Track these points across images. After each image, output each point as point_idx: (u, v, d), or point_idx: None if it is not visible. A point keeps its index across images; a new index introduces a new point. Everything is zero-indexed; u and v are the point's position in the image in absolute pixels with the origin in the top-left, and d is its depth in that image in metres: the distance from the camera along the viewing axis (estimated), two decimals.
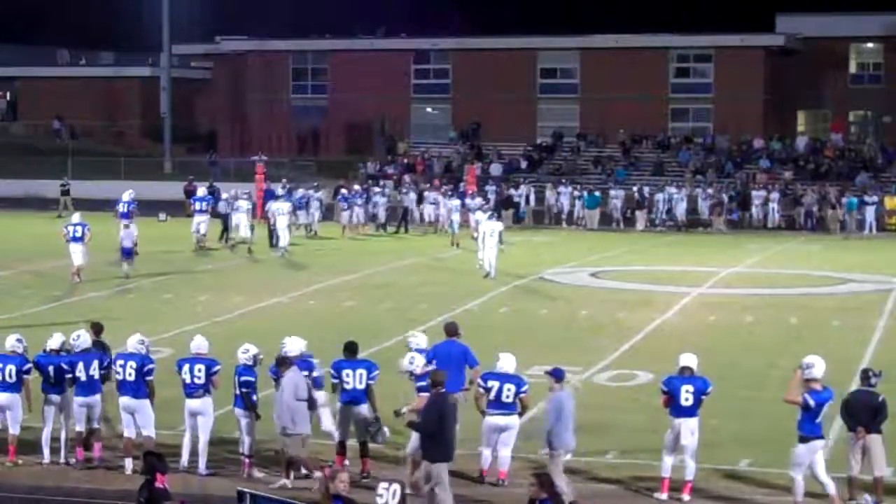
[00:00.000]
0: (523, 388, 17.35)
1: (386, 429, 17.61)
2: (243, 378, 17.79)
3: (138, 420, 17.89)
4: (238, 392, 17.86)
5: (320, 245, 47.38)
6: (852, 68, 77.22)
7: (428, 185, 57.47)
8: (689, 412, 16.87)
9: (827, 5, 75.32)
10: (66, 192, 59.41)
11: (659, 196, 57.45)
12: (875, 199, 55.32)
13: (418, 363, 17.71)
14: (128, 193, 43.04)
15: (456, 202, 49.49)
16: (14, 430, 18.31)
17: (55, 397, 18.36)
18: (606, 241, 49.93)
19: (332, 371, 17.89)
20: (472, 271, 38.21)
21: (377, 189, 57.53)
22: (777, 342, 27.24)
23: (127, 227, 38.05)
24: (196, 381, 17.84)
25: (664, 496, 16.81)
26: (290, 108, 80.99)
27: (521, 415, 17.52)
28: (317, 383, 18.01)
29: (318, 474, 17.16)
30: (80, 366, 18.15)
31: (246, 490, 12.83)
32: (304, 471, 17.36)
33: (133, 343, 18.26)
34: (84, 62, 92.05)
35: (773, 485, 17.20)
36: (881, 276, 38.87)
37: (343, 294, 34.31)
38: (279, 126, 78.55)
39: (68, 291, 34.50)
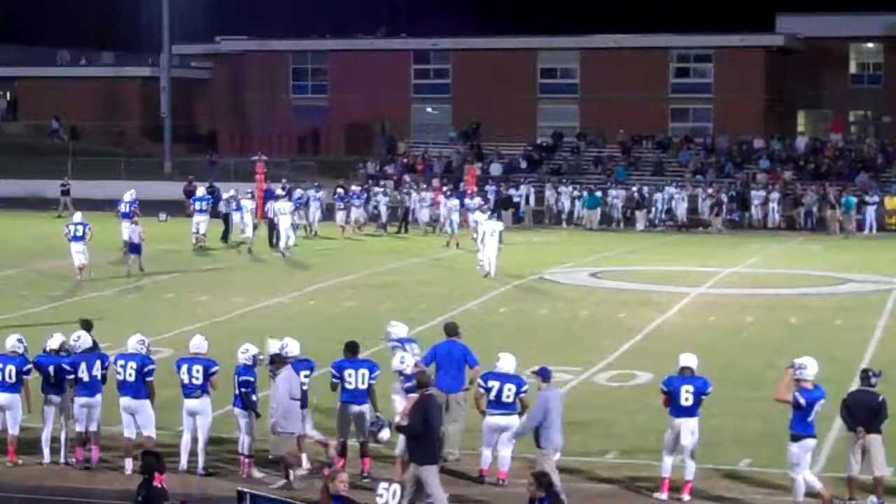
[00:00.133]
0: (524, 388, 17.36)
1: (387, 428, 17.59)
2: (243, 378, 17.80)
3: (139, 421, 17.89)
4: (238, 392, 17.87)
5: (320, 245, 47.37)
6: (852, 68, 77.23)
7: (424, 186, 57.50)
8: (689, 412, 16.87)
9: (827, 5, 75.33)
10: (66, 192, 59.41)
11: (658, 196, 57.46)
12: (875, 198, 55.33)
13: (408, 363, 17.79)
14: (129, 193, 43.06)
15: (455, 202, 49.48)
16: (14, 431, 18.31)
17: (55, 398, 18.36)
18: (606, 241, 49.93)
19: (334, 371, 17.90)
20: (472, 271, 38.21)
21: (377, 189, 57.51)
22: (777, 342, 27.23)
23: (135, 223, 38.37)
24: (194, 381, 17.85)
25: (664, 496, 16.81)
26: (290, 108, 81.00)
27: (521, 415, 17.52)
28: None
29: (300, 472, 17.19)
30: (83, 366, 18.14)
31: (246, 490, 12.84)
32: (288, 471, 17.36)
33: (133, 343, 18.26)
34: (84, 62, 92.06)
35: (773, 485, 17.21)
36: (881, 276, 38.86)
37: (343, 294, 34.31)
38: (279, 126, 78.56)
39: (68, 291, 34.51)
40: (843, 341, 28.04)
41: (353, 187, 54.82)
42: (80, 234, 36.21)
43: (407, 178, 62.00)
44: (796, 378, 16.35)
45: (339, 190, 53.37)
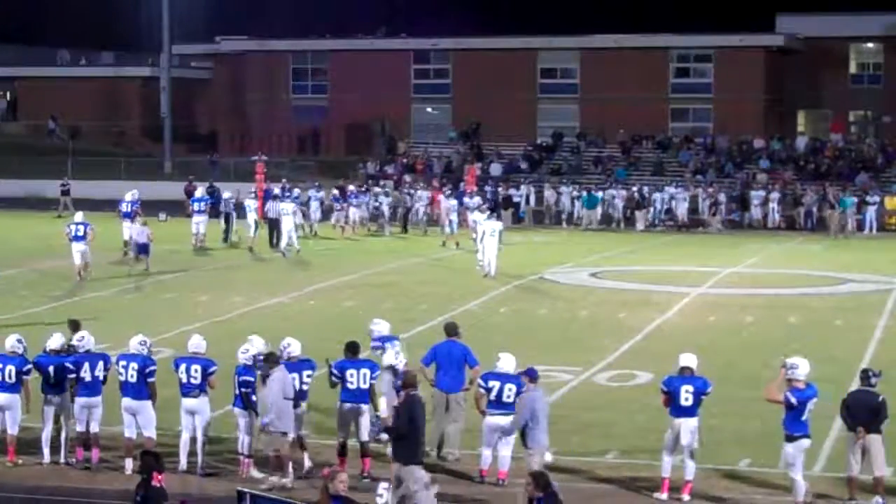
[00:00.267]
0: (524, 388, 17.35)
1: None
2: (243, 378, 17.80)
3: (139, 421, 17.88)
4: (238, 392, 17.88)
5: (320, 245, 47.37)
6: (852, 68, 77.24)
7: (421, 185, 57.43)
8: (689, 412, 16.87)
9: (827, 5, 75.36)
10: (66, 192, 59.44)
11: (656, 196, 57.45)
12: (876, 198, 55.34)
13: (402, 360, 17.84)
14: (131, 193, 43.04)
15: (454, 202, 49.47)
16: (13, 431, 18.30)
17: (55, 398, 18.35)
18: (606, 241, 49.93)
19: (336, 371, 17.89)
20: (472, 271, 38.22)
21: (377, 189, 57.47)
22: (777, 342, 27.22)
23: (144, 223, 38.71)
24: (192, 381, 17.86)
25: (664, 496, 16.81)
26: (290, 108, 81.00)
27: None
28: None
29: (284, 480, 17.15)
30: (86, 366, 18.14)
31: (246, 490, 12.84)
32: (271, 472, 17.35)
33: (135, 344, 18.26)
34: (84, 62, 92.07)
35: (773, 485, 17.20)
36: (881, 276, 38.86)
37: (343, 294, 34.31)
38: (279, 126, 78.56)
39: (68, 291, 34.51)
40: (843, 341, 28.05)
41: (351, 187, 54.81)
42: (81, 233, 36.24)
43: (407, 178, 62.00)
44: (788, 378, 16.35)
45: (335, 192, 53.34)
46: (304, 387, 17.97)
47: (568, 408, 21.74)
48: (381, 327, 19.60)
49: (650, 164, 67.18)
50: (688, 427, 16.81)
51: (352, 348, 18.22)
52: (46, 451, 18.17)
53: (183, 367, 17.93)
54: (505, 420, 17.36)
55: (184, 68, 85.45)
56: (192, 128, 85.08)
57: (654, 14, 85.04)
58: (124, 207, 42.26)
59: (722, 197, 57.06)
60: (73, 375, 18.16)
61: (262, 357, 17.91)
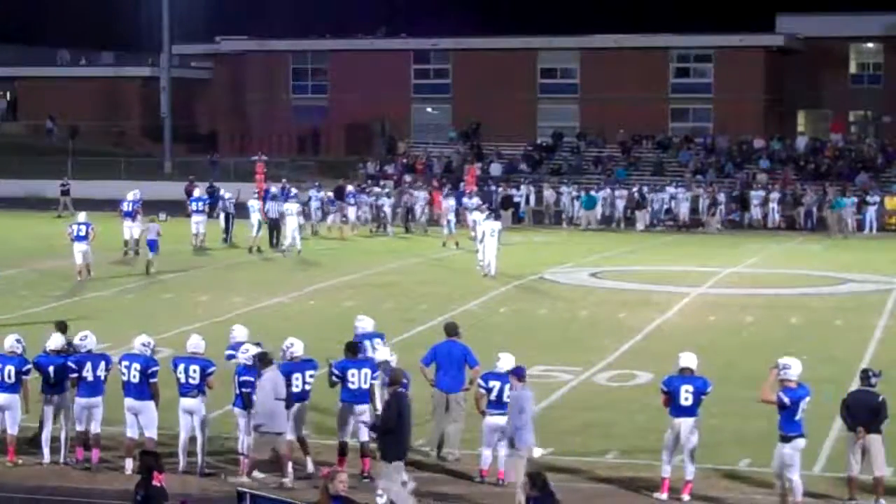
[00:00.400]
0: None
1: None
2: (243, 378, 17.80)
3: (141, 421, 17.87)
4: (238, 392, 17.87)
5: (320, 245, 47.35)
6: (852, 68, 77.24)
7: (420, 184, 57.41)
8: (689, 412, 16.87)
9: (827, 5, 75.37)
10: (66, 192, 59.42)
11: (653, 196, 57.43)
12: (876, 198, 55.34)
13: (394, 356, 17.90)
14: (133, 193, 43.03)
15: (452, 202, 49.44)
16: (13, 431, 18.30)
17: (55, 398, 18.35)
18: (606, 241, 49.92)
19: (336, 371, 17.89)
20: (472, 271, 38.22)
21: (377, 189, 57.44)
22: (777, 342, 27.21)
23: (153, 220, 39.07)
24: (191, 381, 17.86)
25: (664, 496, 16.81)
26: (290, 108, 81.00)
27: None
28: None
29: (283, 480, 17.15)
30: (89, 365, 18.13)
31: (246, 490, 12.84)
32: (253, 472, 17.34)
33: (138, 345, 18.25)
34: (84, 62, 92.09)
35: (773, 485, 17.17)
36: (881, 276, 38.86)
37: (343, 294, 34.30)
38: (279, 126, 78.56)
39: (68, 291, 34.50)
40: (843, 341, 28.06)
41: (350, 187, 54.79)
42: (83, 234, 36.25)
43: (407, 178, 62.00)
44: (780, 378, 16.35)
45: (329, 193, 53.26)
46: (307, 387, 17.97)
47: (568, 408, 21.75)
48: (365, 324, 19.67)
49: (650, 164, 67.16)
50: (688, 427, 16.81)
51: (352, 348, 18.22)
52: (46, 451, 18.17)
53: (181, 367, 17.93)
54: (505, 420, 17.35)
55: (184, 68, 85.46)
56: (192, 128, 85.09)
57: (654, 14, 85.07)
58: (125, 206, 42.28)
59: (721, 197, 57.05)
60: (75, 375, 18.15)
61: (245, 348, 17.97)
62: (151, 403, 17.90)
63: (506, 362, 17.58)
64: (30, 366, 18.35)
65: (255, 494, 12.78)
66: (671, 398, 16.96)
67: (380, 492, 15.33)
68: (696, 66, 76.44)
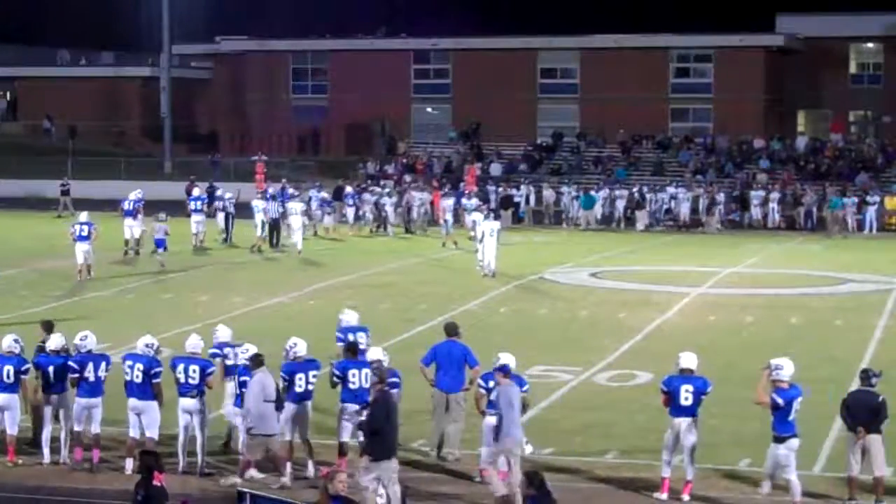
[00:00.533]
0: (524, 388, 17.33)
1: None
2: (243, 378, 17.79)
3: (144, 421, 17.86)
4: (238, 392, 17.86)
5: (320, 245, 47.34)
6: (852, 68, 77.26)
7: (416, 184, 57.44)
8: (689, 412, 16.86)
9: (827, 5, 75.39)
10: (66, 192, 59.40)
11: (651, 196, 57.42)
12: (876, 199, 55.34)
13: (387, 358, 18.00)
14: (135, 193, 43.00)
15: (450, 202, 49.37)
16: (13, 431, 18.30)
17: (54, 397, 18.34)
18: (606, 241, 49.91)
19: (337, 371, 17.88)
20: (471, 271, 38.22)
21: (378, 189, 57.41)
22: (777, 342, 27.21)
23: (162, 221, 39.15)
24: (190, 381, 17.85)
25: (664, 496, 16.81)
26: (290, 108, 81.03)
27: (521, 414, 17.49)
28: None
29: (281, 479, 17.13)
30: (90, 366, 18.12)
31: (246, 490, 12.83)
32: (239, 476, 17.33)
33: (141, 346, 18.24)
34: (84, 62, 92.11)
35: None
36: (881, 276, 38.86)
37: (343, 294, 34.26)
38: (279, 126, 78.58)
39: (68, 291, 34.50)
40: (843, 341, 28.05)
41: (349, 188, 54.76)
42: (85, 233, 36.24)
43: (407, 177, 61.99)
44: (773, 379, 16.35)
45: (325, 195, 53.29)
46: (310, 387, 17.95)
47: (568, 408, 21.75)
48: (350, 317, 19.71)
49: (650, 164, 67.16)
50: (688, 427, 16.80)
51: (352, 348, 18.22)
52: (46, 451, 18.16)
53: (181, 367, 17.92)
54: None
55: (184, 68, 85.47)
56: (192, 128, 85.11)
57: (654, 14, 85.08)
58: (126, 206, 42.27)
59: (720, 197, 57.04)
60: (76, 375, 18.14)
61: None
62: (155, 403, 17.89)
63: (505, 362, 17.56)
64: (28, 365, 18.35)
65: (255, 494, 12.78)
66: (671, 398, 16.96)
67: (380, 492, 15.31)
68: (696, 66, 76.47)
